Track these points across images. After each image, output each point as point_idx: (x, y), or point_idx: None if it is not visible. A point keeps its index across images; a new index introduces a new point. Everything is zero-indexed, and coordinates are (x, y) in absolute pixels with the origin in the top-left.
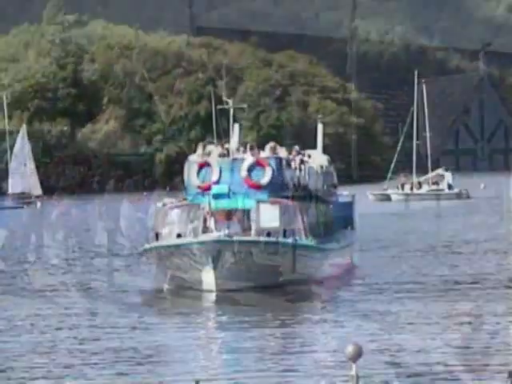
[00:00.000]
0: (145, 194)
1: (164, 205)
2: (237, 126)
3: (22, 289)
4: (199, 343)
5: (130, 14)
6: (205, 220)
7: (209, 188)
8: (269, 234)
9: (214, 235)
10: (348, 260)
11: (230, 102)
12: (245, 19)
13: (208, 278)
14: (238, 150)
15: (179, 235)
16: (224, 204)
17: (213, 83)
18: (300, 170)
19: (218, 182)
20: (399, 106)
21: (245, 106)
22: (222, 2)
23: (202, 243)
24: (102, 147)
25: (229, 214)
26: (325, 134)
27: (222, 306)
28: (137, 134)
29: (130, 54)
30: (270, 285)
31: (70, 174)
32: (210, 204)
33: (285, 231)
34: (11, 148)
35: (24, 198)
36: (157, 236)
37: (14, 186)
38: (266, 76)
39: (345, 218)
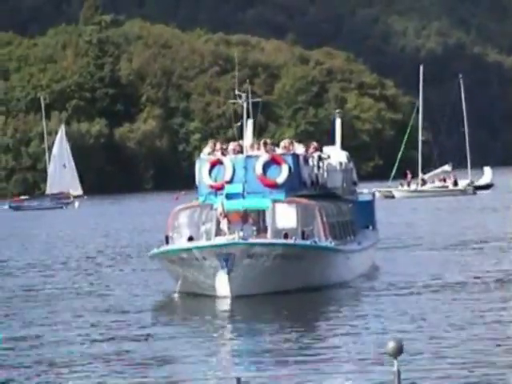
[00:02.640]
0: (183, 192)
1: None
2: (250, 121)
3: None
4: (220, 350)
5: (167, 13)
6: (218, 222)
7: (221, 187)
8: (286, 236)
9: (227, 238)
10: (370, 261)
11: (244, 95)
12: (281, 16)
13: (222, 283)
14: (252, 146)
15: (191, 238)
16: (238, 204)
17: (250, 81)
18: (318, 167)
19: (231, 181)
20: (437, 101)
21: (259, 99)
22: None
23: (214, 247)
24: (140, 146)
25: (243, 215)
26: (362, 131)
27: (239, 312)
28: (174, 133)
29: (167, 52)
30: (287, 290)
31: (109, 173)
32: (223, 204)
33: (303, 232)
34: (50, 149)
35: (62, 199)
36: (167, 239)
37: (52, 186)
38: (303, 73)
39: (365, 217)
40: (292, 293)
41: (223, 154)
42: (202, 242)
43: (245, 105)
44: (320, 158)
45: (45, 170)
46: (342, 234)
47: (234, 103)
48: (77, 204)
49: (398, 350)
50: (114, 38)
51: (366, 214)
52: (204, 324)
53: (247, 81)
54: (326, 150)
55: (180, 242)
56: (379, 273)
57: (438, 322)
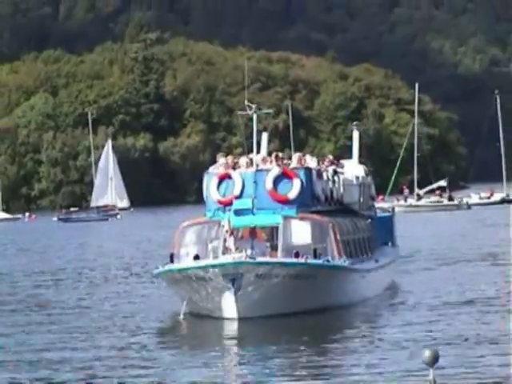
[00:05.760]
0: None
1: None
2: (265, 134)
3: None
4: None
5: (210, 31)
6: (225, 239)
7: (230, 203)
8: (297, 254)
9: (234, 257)
10: (389, 279)
11: (254, 106)
12: (321, 34)
13: (229, 304)
14: (264, 160)
15: (197, 257)
16: (247, 221)
17: (291, 97)
18: (333, 181)
19: (240, 196)
20: (474, 117)
21: (270, 111)
22: (298, 17)
23: (220, 266)
24: (184, 160)
25: (253, 232)
26: (400, 145)
27: (246, 336)
28: (217, 147)
29: (211, 69)
30: (298, 311)
31: (154, 186)
32: (229, 221)
33: (315, 251)
34: (96, 162)
35: (107, 211)
36: (171, 257)
37: (98, 198)
38: (343, 89)
39: (384, 234)
40: (303, 314)
41: (234, 168)
42: (208, 261)
43: (254, 116)
44: (335, 172)
45: (91, 183)
46: (358, 252)
47: (242, 116)
48: (119, 216)
49: (434, 359)
50: (158, 55)
51: (384, 230)
52: (209, 348)
53: (288, 96)
54: (343, 163)
55: (185, 261)
56: (398, 291)
57: (467, 337)
